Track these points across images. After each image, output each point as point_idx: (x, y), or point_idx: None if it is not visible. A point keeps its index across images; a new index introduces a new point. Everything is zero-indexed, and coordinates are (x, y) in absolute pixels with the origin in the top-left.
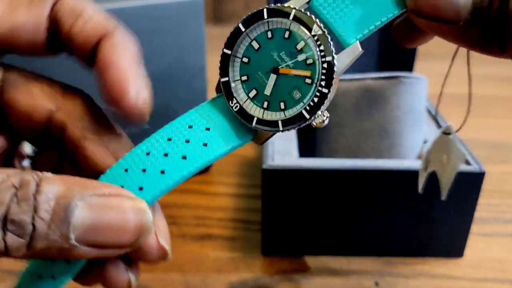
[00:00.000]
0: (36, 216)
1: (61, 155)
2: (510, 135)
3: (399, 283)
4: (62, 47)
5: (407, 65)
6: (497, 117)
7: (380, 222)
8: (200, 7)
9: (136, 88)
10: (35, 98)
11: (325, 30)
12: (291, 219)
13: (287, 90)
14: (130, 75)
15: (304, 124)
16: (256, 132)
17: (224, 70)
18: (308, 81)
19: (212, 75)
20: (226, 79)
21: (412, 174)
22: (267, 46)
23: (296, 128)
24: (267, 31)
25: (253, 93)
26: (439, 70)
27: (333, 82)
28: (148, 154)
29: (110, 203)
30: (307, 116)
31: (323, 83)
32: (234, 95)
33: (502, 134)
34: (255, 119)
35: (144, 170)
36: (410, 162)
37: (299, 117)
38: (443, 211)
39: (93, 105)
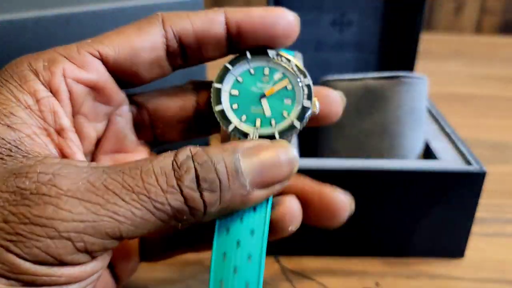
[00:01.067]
0: (218, 173)
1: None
2: (511, 135)
3: (400, 284)
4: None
5: (408, 64)
6: (498, 117)
7: (381, 223)
8: (200, 8)
9: None
10: (178, 97)
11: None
12: None
13: (279, 110)
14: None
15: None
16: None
17: (217, 100)
18: (289, 101)
19: (212, 75)
20: (221, 107)
21: (412, 174)
22: (249, 80)
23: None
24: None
25: (243, 118)
26: (440, 69)
27: (312, 97)
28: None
29: (262, 149)
30: (298, 126)
31: (305, 97)
32: (231, 120)
33: (503, 134)
34: (253, 133)
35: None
36: (411, 162)
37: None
38: (443, 211)
39: None
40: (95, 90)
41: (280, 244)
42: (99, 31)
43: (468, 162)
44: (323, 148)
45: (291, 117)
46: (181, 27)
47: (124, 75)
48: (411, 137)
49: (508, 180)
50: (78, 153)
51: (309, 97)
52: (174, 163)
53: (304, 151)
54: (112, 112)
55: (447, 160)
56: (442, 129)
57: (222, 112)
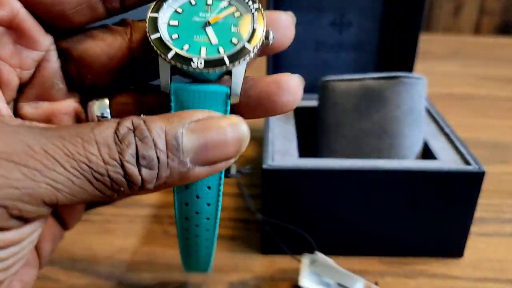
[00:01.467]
0: (157, 150)
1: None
2: (510, 135)
3: (399, 283)
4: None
5: (407, 65)
6: (497, 117)
7: (380, 222)
8: None
9: None
10: (108, 38)
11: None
12: (291, 219)
13: (227, 37)
14: None
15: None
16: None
17: (153, 29)
18: (238, 29)
19: None
20: (158, 35)
21: (411, 174)
22: (191, 10)
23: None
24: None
25: (186, 47)
26: (439, 70)
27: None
28: None
29: (209, 125)
30: (251, 48)
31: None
32: (171, 47)
33: (502, 134)
34: (198, 58)
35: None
36: (410, 162)
37: (243, 51)
38: (442, 211)
39: None
40: (12, 30)
41: (280, 244)
42: None
43: (467, 162)
44: (322, 148)
45: (242, 42)
46: None
47: (47, 16)
48: (410, 137)
49: (506, 180)
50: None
51: (260, 22)
52: (116, 136)
53: (304, 151)
54: (43, 59)
55: (446, 160)
56: (441, 129)
57: (159, 39)
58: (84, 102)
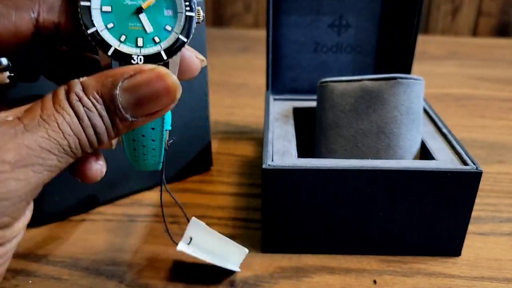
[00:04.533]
0: (101, 116)
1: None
2: (507, 135)
3: (397, 282)
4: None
5: (405, 66)
6: (494, 117)
7: (378, 221)
8: (201, 8)
9: None
10: (12, 16)
11: None
12: (291, 218)
13: (161, 23)
14: None
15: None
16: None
17: (88, 21)
18: (170, 12)
19: (212, 76)
20: (94, 29)
21: (409, 174)
22: None
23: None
24: None
25: (123, 38)
26: (437, 71)
27: (196, 7)
28: None
29: (140, 81)
30: (185, 39)
31: (188, 8)
32: (109, 42)
33: (499, 134)
34: (137, 56)
35: None
36: (408, 162)
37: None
38: (440, 210)
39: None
40: None
41: (280, 242)
42: None
43: (464, 162)
44: (320, 148)
45: (176, 31)
46: None
47: None
48: (408, 137)
49: (503, 180)
50: None
51: (190, 4)
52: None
53: (303, 151)
54: None
55: (444, 160)
56: (439, 129)
57: (96, 34)
58: None
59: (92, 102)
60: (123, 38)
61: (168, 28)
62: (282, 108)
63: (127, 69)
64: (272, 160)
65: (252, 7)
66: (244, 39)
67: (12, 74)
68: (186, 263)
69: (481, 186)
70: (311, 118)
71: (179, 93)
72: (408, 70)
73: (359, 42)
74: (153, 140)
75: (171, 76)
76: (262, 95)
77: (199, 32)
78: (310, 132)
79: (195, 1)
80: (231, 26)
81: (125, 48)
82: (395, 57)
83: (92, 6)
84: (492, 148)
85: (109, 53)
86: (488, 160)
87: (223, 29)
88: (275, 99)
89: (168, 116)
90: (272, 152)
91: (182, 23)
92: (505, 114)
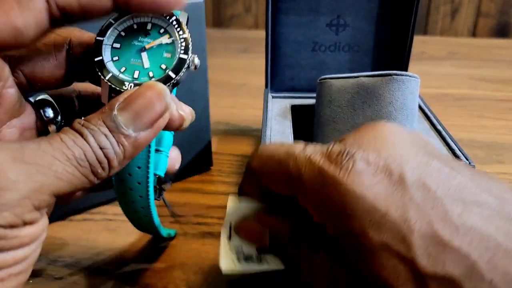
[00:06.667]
0: (107, 136)
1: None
2: (506, 135)
3: None
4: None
5: (401, 65)
6: (493, 118)
7: None
8: (202, 10)
9: None
10: (52, 57)
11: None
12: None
13: (158, 62)
14: None
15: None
16: None
17: (98, 53)
18: (169, 55)
19: (213, 77)
20: (100, 58)
21: None
22: (132, 35)
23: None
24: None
25: (123, 69)
26: (436, 71)
27: (189, 52)
28: None
29: (132, 98)
30: (173, 75)
31: (182, 51)
32: (109, 70)
33: (498, 134)
34: (129, 84)
35: None
36: None
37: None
38: None
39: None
40: None
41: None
42: None
43: (458, 159)
44: (318, 142)
45: (169, 70)
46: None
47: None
48: None
49: (502, 180)
50: None
51: (186, 50)
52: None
53: None
54: (3, 86)
55: None
56: (433, 126)
57: (100, 62)
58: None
59: (94, 125)
60: (123, 69)
61: (163, 66)
62: (280, 106)
63: (120, 97)
64: None
65: (252, 8)
66: (244, 40)
67: (58, 119)
68: (186, 262)
69: None
70: (309, 116)
71: (169, 95)
72: (404, 69)
73: (356, 41)
74: (138, 183)
75: (158, 84)
76: (262, 95)
77: (199, 34)
78: (307, 129)
79: (191, 48)
80: (231, 27)
81: (122, 76)
82: (392, 56)
83: (105, 42)
84: (491, 148)
85: (107, 78)
86: (487, 160)
87: (223, 30)
88: (273, 97)
89: (163, 160)
90: None
91: (174, 63)
92: (504, 114)
